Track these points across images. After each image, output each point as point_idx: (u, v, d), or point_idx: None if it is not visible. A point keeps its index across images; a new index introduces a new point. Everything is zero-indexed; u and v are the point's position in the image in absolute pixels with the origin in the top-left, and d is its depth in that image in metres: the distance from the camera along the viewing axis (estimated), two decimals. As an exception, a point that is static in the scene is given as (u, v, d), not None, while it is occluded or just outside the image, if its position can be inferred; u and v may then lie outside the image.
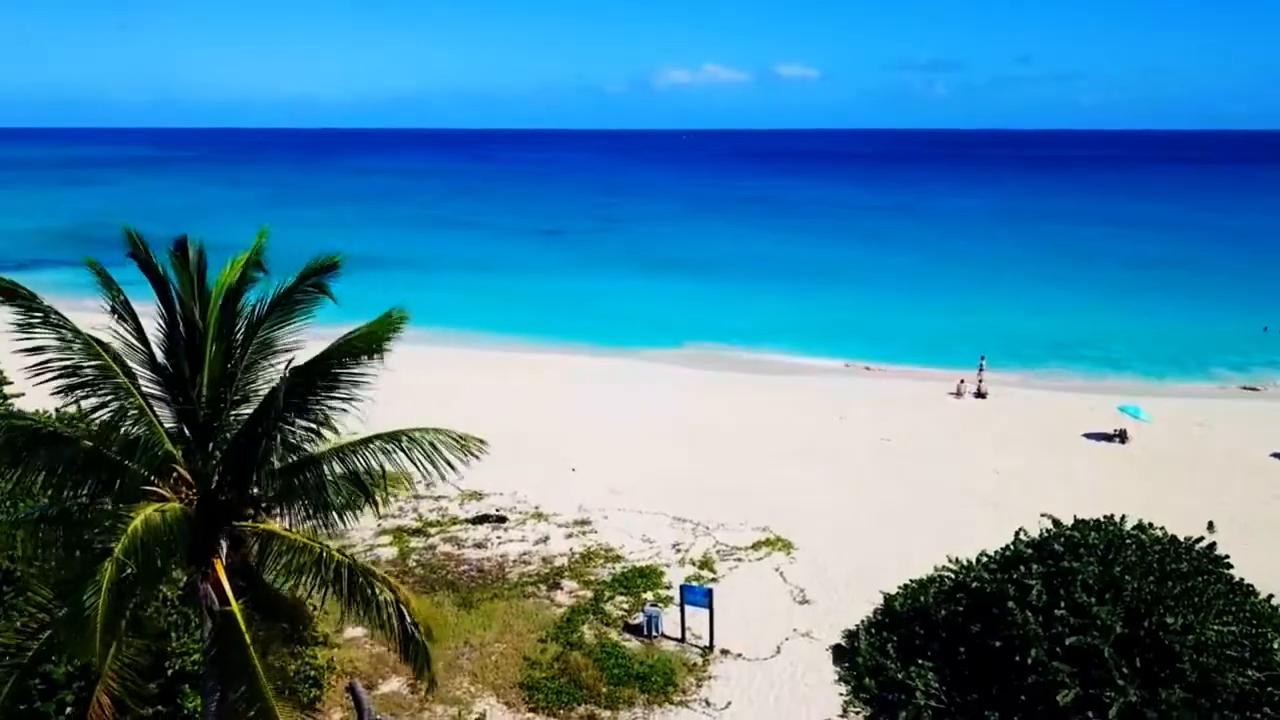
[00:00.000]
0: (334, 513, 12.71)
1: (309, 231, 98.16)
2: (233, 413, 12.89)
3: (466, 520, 31.74)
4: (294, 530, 12.74)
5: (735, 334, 64.91)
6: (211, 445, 12.78)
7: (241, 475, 12.57)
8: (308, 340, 13.12)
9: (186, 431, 12.81)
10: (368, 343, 12.25)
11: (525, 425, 41.58)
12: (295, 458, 12.66)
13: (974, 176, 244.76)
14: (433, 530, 30.83)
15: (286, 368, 11.95)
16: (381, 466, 12.61)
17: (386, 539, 29.95)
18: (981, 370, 50.71)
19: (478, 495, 33.53)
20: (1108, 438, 41.09)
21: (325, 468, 12.57)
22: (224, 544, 12.54)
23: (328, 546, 12.51)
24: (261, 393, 12.83)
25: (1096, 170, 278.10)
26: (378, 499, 12.62)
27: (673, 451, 39.27)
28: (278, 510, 13.02)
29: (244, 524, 12.85)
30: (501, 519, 31.94)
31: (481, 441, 12.87)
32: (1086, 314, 71.11)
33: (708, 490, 34.44)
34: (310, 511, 12.75)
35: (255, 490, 12.58)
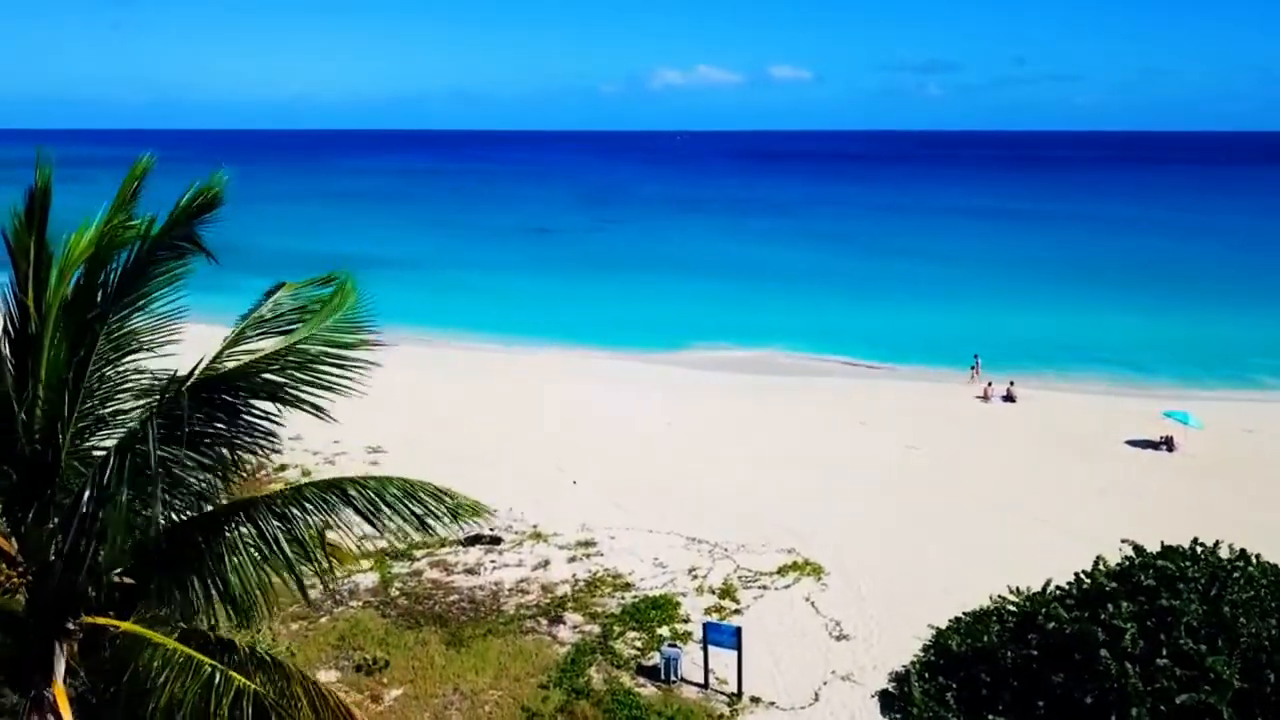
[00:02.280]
0: (238, 603, 8.44)
1: (304, 231, 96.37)
2: (84, 445, 8.84)
3: (457, 542, 28.49)
4: (179, 638, 8.43)
5: (737, 334, 62.05)
6: (49, 494, 8.54)
7: (94, 545, 8.13)
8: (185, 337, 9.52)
9: (13, 476, 8.66)
10: (337, 339, 8.90)
11: (522, 433, 38.56)
12: (179, 517, 8.64)
13: (969, 177, 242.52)
14: (419, 553, 27.59)
15: (176, 384, 8.15)
16: (320, 530, 8.61)
17: (366, 564, 26.69)
18: (975, 369, 48.52)
19: (470, 512, 30.40)
20: (1153, 445, 38.04)
21: (227, 531, 8.55)
22: (63, 654, 8.29)
23: (222, 668, 7.95)
24: (127, 412, 8.86)
25: (1094, 171, 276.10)
26: (304, 582, 8.54)
27: (682, 460, 36.18)
28: (151, 599, 8.71)
29: (95, 620, 8.49)
30: (496, 540, 28.79)
31: (476, 507, 9.41)
32: (1096, 314, 68.26)
33: (723, 505, 31.31)
34: (202, 599, 8.50)
35: (114, 570, 8.24)
